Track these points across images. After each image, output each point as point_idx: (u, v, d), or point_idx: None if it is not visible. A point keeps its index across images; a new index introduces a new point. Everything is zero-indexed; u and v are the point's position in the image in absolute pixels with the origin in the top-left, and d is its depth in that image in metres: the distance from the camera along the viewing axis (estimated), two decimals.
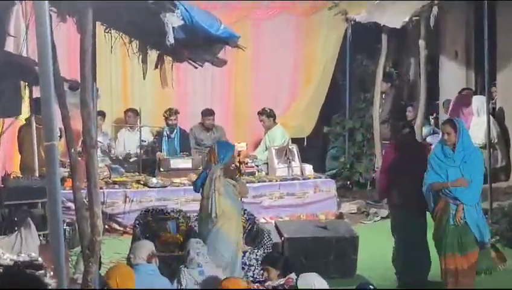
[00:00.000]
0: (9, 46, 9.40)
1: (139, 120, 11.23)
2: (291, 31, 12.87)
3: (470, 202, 6.95)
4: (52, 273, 5.91)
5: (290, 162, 10.84)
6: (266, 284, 6.37)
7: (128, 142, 11.60)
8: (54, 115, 4.37)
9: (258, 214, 9.61)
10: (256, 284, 6.90)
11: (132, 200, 9.92)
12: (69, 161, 6.30)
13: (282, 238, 8.04)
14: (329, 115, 13.19)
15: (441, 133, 8.68)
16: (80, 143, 8.05)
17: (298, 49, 12.97)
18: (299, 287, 5.83)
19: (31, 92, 9.33)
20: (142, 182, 10.28)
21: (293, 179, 10.73)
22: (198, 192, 7.38)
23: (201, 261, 6.44)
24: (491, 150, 10.34)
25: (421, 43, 11.10)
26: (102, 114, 11.20)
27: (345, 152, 12.87)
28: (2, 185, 8.55)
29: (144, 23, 5.94)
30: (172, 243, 7.71)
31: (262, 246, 7.62)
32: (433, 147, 7.70)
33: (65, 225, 8.38)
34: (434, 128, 12.18)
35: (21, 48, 9.45)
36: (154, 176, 10.49)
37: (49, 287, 5.45)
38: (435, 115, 12.57)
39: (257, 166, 11.13)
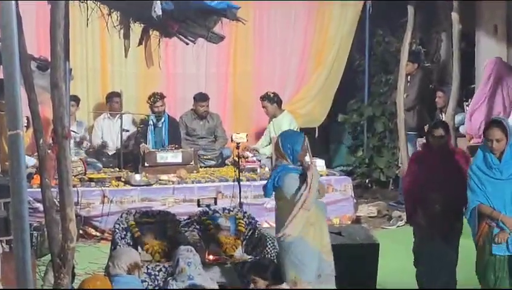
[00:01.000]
0: None
1: (120, 106, 11.24)
2: (301, 2, 12.84)
3: None
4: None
5: None
6: None
7: (107, 133, 11.62)
8: (19, 99, 4.37)
9: (260, 217, 9.61)
10: None
11: (111, 201, 9.92)
12: (36, 154, 6.29)
13: None
14: (345, 101, 13.19)
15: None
16: (50, 133, 8.03)
17: (309, 23, 12.94)
18: None
19: None
20: (123, 180, 10.29)
21: None
22: (269, 197, 7.15)
23: (193, 273, 6.44)
24: None
25: (454, 16, 11.05)
26: (76, 99, 11.21)
27: (363, 145, 12.88)
28: None
29: None
30: (158, 251, 7.71)
31: (264, 255, 7.62)
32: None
33: (32, 229, 8.39)
34: None
35: None
36: (138, 172, 10.51)
37: None
38: (469, 101, 12.55)
39: (259, 161, 11.14)
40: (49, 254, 5.25)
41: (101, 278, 6.03)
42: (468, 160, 7.09)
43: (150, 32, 7.05)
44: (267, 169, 10.95)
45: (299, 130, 11.48)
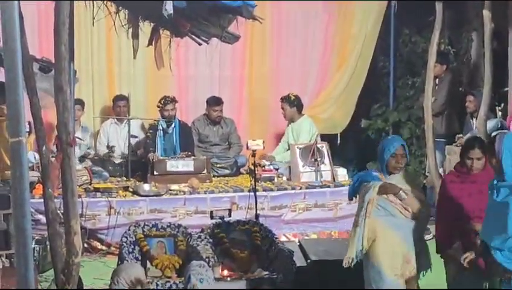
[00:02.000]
0: None
1: (127, 111, 11.24)
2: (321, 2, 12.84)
3: None
4: None
5: (318, 164, 10.82)
6: None
7: (114, 139, 11.62)
8: (21, 103, 4.36)
9: (278, 230, 9.61)
10: None
11: (118, 212, 9.92)
12: (39, 162, 6.29)
13: (308, 261, 8.02)
14: (369, 106, 13.17)
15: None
16: (54, 140, 8.04)
17: (330, 22, 12.94)
18: None
19: None
20: (130, 190, 10.29)
21: (322, 187, 10.71)
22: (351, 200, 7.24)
23: None
24: None
25: (485, 14, 11.01)
26: (81, 103, 11.22)
27: None
28: None
29: None
30: (168, 267, 7.72)
31: (282, 272, 7.61)
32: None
33: (34, 242, 8.41)
34: (501, 121, 12.12)
35: None
36: (147, 182, 10.52)
37: None
38: (502, 105, 12.51)
39: (276, 169, 11.12)
40: (52, 269, 5.25)
41: None
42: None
43: (160, 32, 7.05)
44: (284, 178, 10.93)
45: (319, 136, 11.51)
